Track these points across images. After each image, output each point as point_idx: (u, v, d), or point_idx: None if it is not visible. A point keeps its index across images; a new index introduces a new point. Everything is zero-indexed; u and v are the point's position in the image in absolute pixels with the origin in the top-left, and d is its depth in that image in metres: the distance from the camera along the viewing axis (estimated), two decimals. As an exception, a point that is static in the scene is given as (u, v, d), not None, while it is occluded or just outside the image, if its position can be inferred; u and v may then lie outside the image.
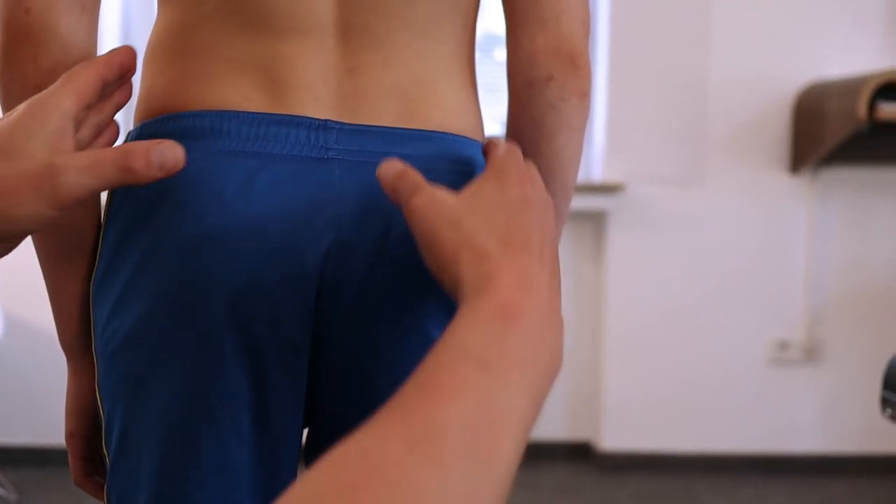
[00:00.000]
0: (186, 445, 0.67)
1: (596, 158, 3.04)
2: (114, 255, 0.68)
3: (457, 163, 0.71)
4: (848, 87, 2.61)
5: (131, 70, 0.65)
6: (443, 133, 0.71)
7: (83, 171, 0.55)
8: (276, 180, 0.66)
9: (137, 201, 0.67)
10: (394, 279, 0.68)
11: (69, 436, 0.78)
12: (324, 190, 0.66)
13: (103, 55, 0.63)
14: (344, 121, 0.68)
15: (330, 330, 0.69)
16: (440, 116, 0.71)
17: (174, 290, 0.65)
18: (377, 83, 0.69)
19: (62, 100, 0.58)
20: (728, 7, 2.90)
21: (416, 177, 0.59)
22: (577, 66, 0.73)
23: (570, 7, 0.73)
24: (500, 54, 2.75)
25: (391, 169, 0.60)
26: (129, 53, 0.64)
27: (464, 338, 0.46)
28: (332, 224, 0.66)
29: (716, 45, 2.91)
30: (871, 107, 2.53)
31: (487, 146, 0.64)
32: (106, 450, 0.72)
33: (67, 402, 0.78)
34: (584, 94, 0.75)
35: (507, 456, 0.43)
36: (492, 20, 2.99)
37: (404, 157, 0.67)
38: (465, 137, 0.72)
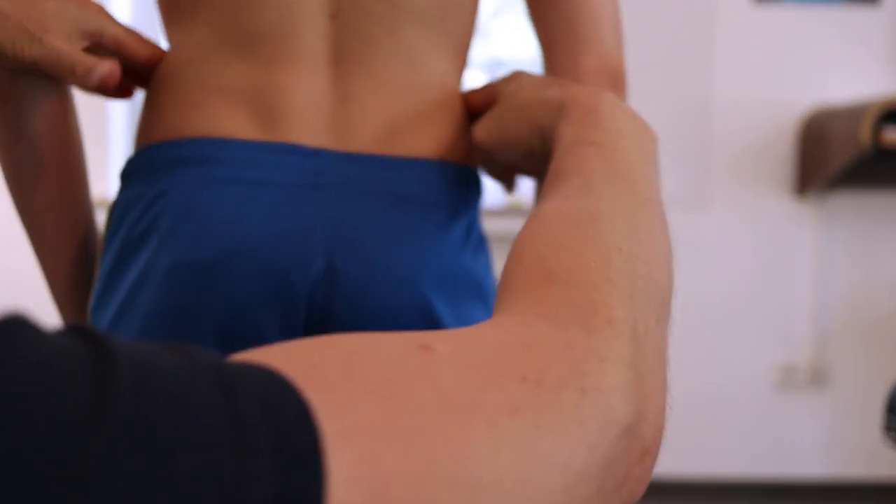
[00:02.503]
0: None
1: (600, 181, 3.05)
2: (109, 278, 0.69)
3: (445, 189, 0.71)
4: (852, 112, 2.61)
5: (147, 67, 0.71)
6: (432, 160, 0.70)
7: (48, 53, 0.63)
8: (267, 207, 0.66)
9: (131, 226, 0.67)
10: (384, 308, 0.67)
11: None
12: (314, 217, 0.66)
13: (152, 51, 0.70)
14: (336, 148, 0.68)
15: None
16: (429, 144, 0.71)
17: (163, 317, 0.65)
18: (368, 111, 0.69)
19: (107, 19, 0.67)
20: (732, 30, 2.91)
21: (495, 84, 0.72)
22: (619, 83, 0.73)
23: (609, 25, 0.72)
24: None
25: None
26: (157, 59, 0.71)
27: (570, 134, 0.56)
28: (321, 252, 0.66)
29: (720, 68, 2.92)
30: (876, 132, 2.53)
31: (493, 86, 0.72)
32: None
33: None
34: None
35: (646, 185, 0.52)
36: (498, 44, 3.01)
37: (393, 185, 0.68)
38: (455, 163, 0.72)
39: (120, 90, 0.73)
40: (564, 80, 0.69)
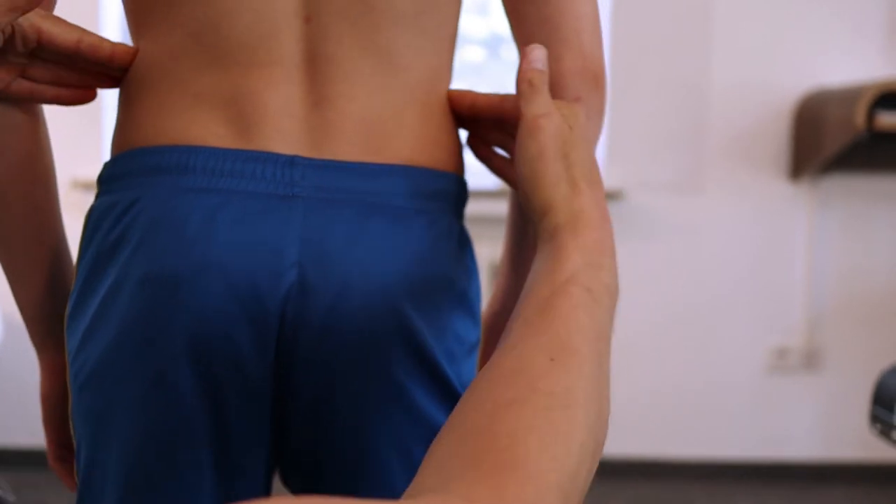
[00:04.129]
0: (147, 484, 0.67)
1: (595, 165, 3.04)
2: (83, 288, 0.68)
3: (425, 197, 0.69)
4: (847, 96, 2.61)
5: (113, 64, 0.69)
6: (411, 167, 0.68)
7: None
8: (238, 218, 0.64)
9: (105, 235, 0.66)
10: (357, 323, 0.66)
11: (43, 421, 0.80)
12: (286, 228, 0.65)
13: (113, 48, 0.68)
14: (311, 156, 0.66)
15: (291, 371, 0.67)
16: (408, 150, 0.69)
17: (134, 329, 0.65)
18: (344, 116, 0.67)
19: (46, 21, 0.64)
20: (728, 14, 2.90)
21: (546, 95, 0.63)
22: (600, 83, 0.73)
23: (588, 25, 0.71)
24: (507, 54, 2.73)
25: (533, 65, 0.65)
26: (119, 53, 0.68)
27: (574, 266, 0.56)
28: (292, 265, 0.65)
29: (715, 52, 2.91)
30: (871, 116, 2.53)
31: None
32: (76, 471, 0.72)
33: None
34: (603, 111, 0.74)
35: (608, 358, 0.54)
36: (497, 20, 2.99)
37: (370, 194, 0.66)
38: (434, 170, 0.70)
39: (77, 93, 0.71)
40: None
